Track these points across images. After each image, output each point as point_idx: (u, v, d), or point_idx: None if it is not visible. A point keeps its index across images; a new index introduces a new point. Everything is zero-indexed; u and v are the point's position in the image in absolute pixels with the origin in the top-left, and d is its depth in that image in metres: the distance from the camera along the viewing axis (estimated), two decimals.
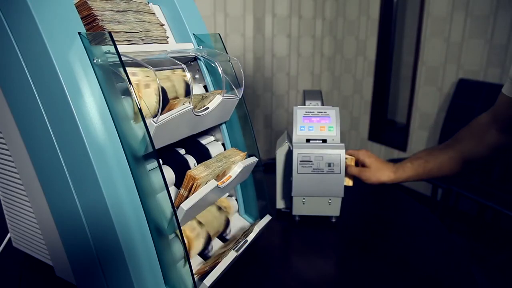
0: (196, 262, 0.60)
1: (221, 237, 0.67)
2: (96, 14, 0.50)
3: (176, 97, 0.58)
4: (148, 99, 0.51)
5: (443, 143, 0.82)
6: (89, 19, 0.50)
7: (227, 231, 0.67)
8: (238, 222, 0.71)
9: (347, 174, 0.82)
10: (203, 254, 0.62)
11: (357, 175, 0.82)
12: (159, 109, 0.47)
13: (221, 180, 0.56)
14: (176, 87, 0.58)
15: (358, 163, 0.85)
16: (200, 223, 0.60)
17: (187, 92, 0.59)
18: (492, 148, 0.74)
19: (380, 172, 0.81)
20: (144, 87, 0.51)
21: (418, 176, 0.81)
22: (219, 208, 0.66)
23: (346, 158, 0.83)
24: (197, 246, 0.59)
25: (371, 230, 0.78)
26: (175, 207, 0.48)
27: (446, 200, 1.93)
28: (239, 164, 0.60)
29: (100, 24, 0.50)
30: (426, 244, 0.73)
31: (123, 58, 0.45)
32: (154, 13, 0.62)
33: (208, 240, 0.61)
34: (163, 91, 0.58)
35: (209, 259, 0.60)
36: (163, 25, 0.63)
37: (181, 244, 0.51)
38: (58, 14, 0.45)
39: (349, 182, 0.83)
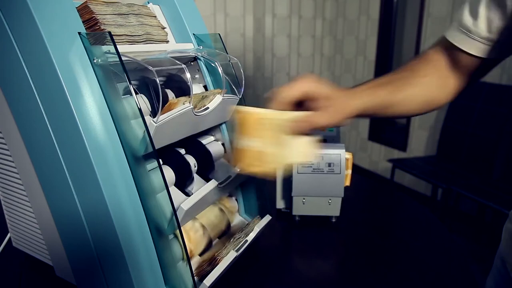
0: (196, 262, 0.60)
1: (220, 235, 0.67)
2: (98, 17, 0.50)
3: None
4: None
5: (391, 72, 0.60)
6: (90, 22, 0.50)
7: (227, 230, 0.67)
8: (237, 221, 0.71)
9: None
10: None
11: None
12: (159, 109, 0.47)
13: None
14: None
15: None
16: (203, 226, 0.60)
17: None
18: (454, 94, 0.61)
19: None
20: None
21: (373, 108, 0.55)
22: (221, 210, 0.66)
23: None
24: (199, 248, 0.59)
25: (371, 230, 0.78)
26: (175, 207, 0.48)
27: (446, 200, 1.93)
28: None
29: (102, 27, 0.50)
30: (426, 244, 0.73)
31: (123, 58, 0.45)
32: (155, 16, 0.62)
33: (210, 242, 0.61)
34: (163, 92, 0.58)
35: (207, 254, 0.60)
36: (164, 28, 0.63)
37: (181, 244, 0.51)
38: (58, 14, 0.45)
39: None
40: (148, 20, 0.59)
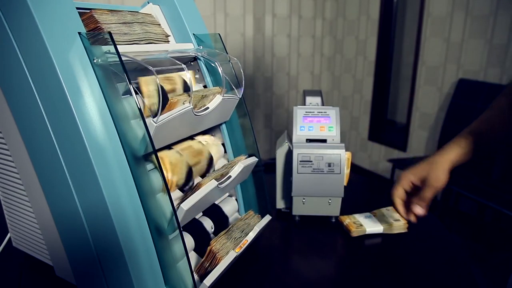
0: (196, 262, 0.60)
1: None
2: (103, 27, 0.50)
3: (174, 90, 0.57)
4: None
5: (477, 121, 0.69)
6: (96, 31, 0.50)
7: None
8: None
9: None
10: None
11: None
12: (159, 108, 0.47)
13: (220, 181, 0.55)
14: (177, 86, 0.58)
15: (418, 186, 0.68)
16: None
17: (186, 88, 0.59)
18: None
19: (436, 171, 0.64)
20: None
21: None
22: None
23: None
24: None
25: None
26: (175, 207, 0.48)
27: (446, 200, 1.93)
28: (239, 164, 0.60)
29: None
30: (426, 244, 0.73)
31: (123, 58, 0.45)
32: (159, 24, 0.62)
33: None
34: (163, 90, 0.58)
35: (207, 255, 0.60)
36: (168, 36, 0.63)
37: (181, 244, 0.51)
38: (58, 14, 0.45)
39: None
40: (153, 28, 0.59)
